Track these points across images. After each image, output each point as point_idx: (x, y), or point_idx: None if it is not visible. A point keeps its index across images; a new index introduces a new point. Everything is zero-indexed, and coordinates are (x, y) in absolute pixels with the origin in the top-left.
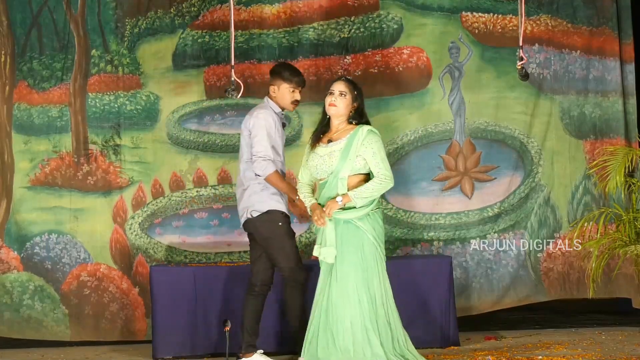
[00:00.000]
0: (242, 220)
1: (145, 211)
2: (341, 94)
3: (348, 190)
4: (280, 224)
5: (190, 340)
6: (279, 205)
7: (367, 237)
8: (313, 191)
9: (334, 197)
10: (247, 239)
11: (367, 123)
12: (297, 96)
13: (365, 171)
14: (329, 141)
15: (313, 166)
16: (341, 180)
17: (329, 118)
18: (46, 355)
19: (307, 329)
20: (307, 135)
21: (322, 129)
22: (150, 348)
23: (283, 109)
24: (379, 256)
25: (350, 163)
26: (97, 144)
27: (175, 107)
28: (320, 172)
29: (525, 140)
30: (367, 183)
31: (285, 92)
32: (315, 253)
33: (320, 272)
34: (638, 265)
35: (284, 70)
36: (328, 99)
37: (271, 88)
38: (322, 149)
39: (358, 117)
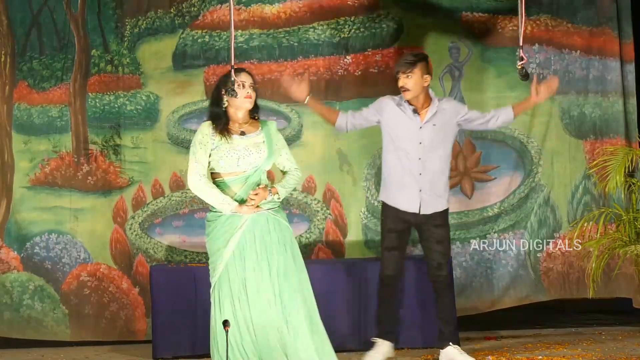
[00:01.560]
0: None
1: (145, 211)
2: (251, 86)
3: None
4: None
5: (190, 340)
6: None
7: (289, 231)
8: None
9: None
10: None
11: None
12: (400, 82)
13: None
14: (242, 133)
15: (233, 158)
16: (263, 174)
17: (225, 111)
18: (46, 355)
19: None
20: (307, 135)
21: (226, 121)
22: (150, 348)
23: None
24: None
25: (274, 157)
26: (97, 144)
27: (175, 107)
28: (243, 164)
29: (525, 140)
30: (288, 176)
31: None
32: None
33: (222, 281)
34: (638, 265)
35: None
36: (242, 92)
37: None
38: (240, 140)
39: (257, 109)
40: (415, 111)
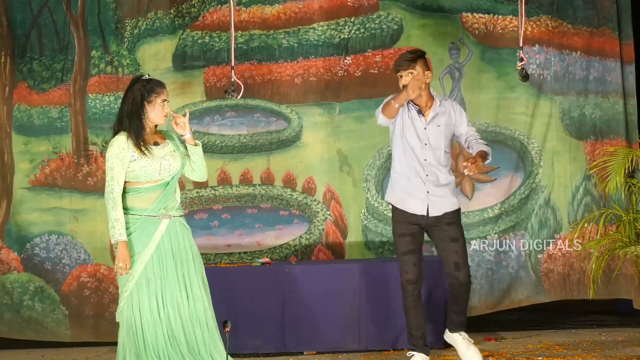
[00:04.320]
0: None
1: None
2: (166, 102)
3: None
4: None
5: None
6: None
7: (191, 233)
8: None
9: (171, 203)
10: (246, 241)
11: None
12: (403, 81)
13: None
14: (156, 143)
15: (155, 168)
16: (177, 180)
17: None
18: (46, 355)
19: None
20: (306, 135)
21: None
22: None
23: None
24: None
25: (182, 165)
26: (97, 144)
27: (175, 108)
28: (163, 173)
29: (526, 141)
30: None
31: None
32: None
33: (136, 284)
34: (638, 266)
35: None
36: (166, 109)
37: None
38: (158, 150)
39: None
40: (419, 112)
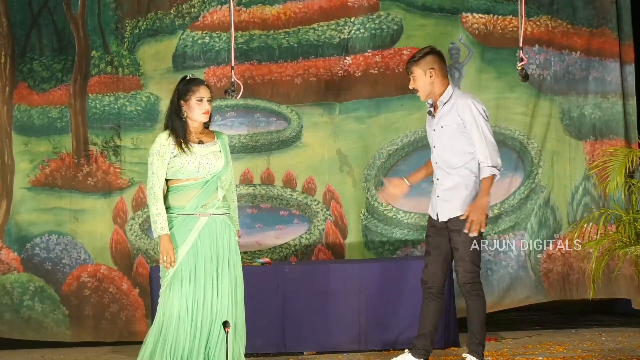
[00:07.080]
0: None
1: (145, 212)
2: (209, 101)
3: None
4: None
5: None
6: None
7: (234, 235)
8: None
9: (211, 201)
10: (246, 241)
11: None
12: (410, 85)
13: None
14: (200, 142)
15: (193, 166)
16: (219, 180)
17: (185, 121)
18: (46, 356)
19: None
20: (306, 135)
21: (185, 132)
22: None
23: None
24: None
25: (229, 166)
26: (97, 145)
27: None
28: (202, 171)
29: (525, 141)
30: (232, 205)
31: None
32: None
33: (170, 281)
34: (638, 266)
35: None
36: (204, 107)
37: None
38: (200, 148)
39: (209, 120)
40: (430, 113)
